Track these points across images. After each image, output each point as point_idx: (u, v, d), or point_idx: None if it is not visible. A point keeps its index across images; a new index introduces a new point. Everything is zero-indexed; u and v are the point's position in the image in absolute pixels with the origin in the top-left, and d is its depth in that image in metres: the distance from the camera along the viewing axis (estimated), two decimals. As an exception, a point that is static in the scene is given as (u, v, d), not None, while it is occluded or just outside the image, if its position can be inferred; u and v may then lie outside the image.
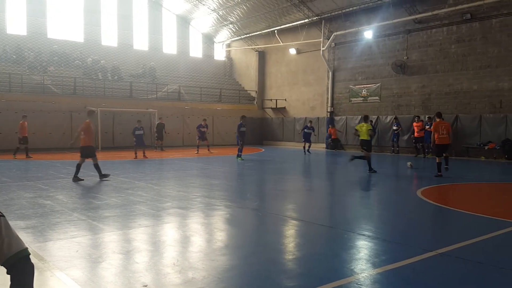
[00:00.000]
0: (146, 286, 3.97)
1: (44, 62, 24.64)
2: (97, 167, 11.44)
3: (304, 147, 22.75)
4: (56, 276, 4.22)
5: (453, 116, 20.28)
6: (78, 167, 11.28)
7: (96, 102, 23.66)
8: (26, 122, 18.33)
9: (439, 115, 13.01)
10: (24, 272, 1.62)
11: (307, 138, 22.35)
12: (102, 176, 11.47)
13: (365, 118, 14.22)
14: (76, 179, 11.10)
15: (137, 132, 18.45)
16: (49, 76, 23.79)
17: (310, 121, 23.81)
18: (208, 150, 22.47)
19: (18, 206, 7.66)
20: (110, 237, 5.87)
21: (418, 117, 20.88)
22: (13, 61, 23.76)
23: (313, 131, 23.11)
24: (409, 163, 15.02)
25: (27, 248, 1.64)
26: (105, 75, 26.53)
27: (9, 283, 1.61)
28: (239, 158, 17.41)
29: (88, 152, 11.39)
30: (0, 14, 24.94)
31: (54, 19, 27.08)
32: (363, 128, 13.67)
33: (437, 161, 12.69)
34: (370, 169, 13.39)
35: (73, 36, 27.71)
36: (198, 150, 21.65)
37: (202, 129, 21.67)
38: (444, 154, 12.69)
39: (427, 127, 20.28)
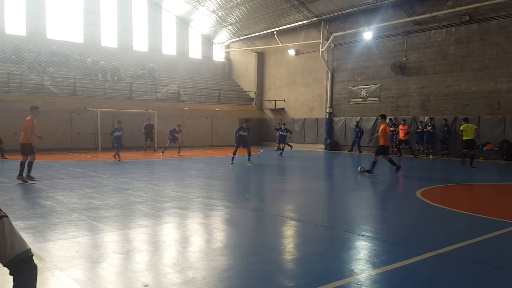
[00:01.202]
0: (147, 286, 3.98)
1: (43, 62, 24.63)
2: (22, 165, 10.73)
3: (279, 147, 22.91)
4: (56, 276, 4.23)
5: (452, 117, 20.33)
6: (22, 165, 10.75)
7: (96, 103, 23.66)
8: None
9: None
10: (27, 273, 1.62)
11: (282, 140, 22.65)
12: (20, 177, 10.61)
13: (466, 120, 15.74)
14: (20, 177, 10.57)
15: (115, 134, 18.29)
16: (48, 77, 23.78)
17: (284, 123, 23.73)
18: (178, 152, 21.53)
19: (17, 207, 7.66)
20: (110, 237, 5.88)
21: (404, 120, 21.67)
22: (12, 62, 23.75)
23: (290, 132, 23.38)
24: (360, 168, 14.43)
25: (30, 249, 1.65)
26: (105, 76, 26.53)
27: (11, 283, 1.61)
28: (249, 162, 16.66)
29: (27, 150, 10.86)
30: (-1, 15, 24.97)
31: (53, 20, 27.08)
32: (468, 128, 14.39)
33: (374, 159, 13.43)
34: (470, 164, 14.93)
35: (72, 37, 27.71)
36: (163, 152, 20.92)
37: (176, 134, 21.35)
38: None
39: (428, 127, 20.39)
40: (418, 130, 21.05)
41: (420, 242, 5.70)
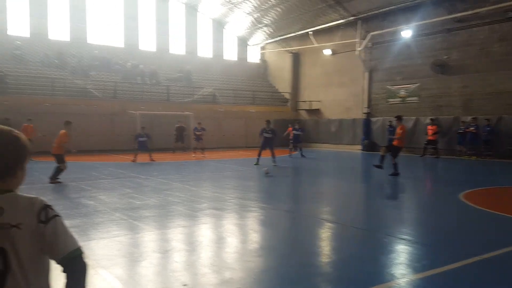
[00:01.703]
0: (185, 285, 4.05)
1: (85, 67, 25.56)
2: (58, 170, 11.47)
3: (298, 148, 21.09)
4: (99, 274, 4.38)
5: (497, 116, 19.48)
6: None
7: (135, 106, 24.31)
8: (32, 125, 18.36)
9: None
10: (78, 270, 1.68)
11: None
12: (53, 178, 11.33)
13: None
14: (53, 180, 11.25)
15: (140, 139, 18.57)
16: (90, 81, 24.67)
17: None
18: (202, 153, 21.29)
19: (62, 206, 7.98)
20: (150, 237, 6.03)
21: (432, 120, 21.07)
22: (56, 66, 24.78)
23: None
24: (265, 169, 13.87)
25: (81, 247, 1.71)
26: (143, 79, 27.24)
27: (63, 280, 1.68)
28: (273, 164, 16.14)
29: (61, 159, 11.56)
30: (43, 21, 26.08)
31: (94, 25, 28.07)
32: None
33: (393, 162, 13.26)
34: None
35: (113, 41, 28.63)
36: (195, 154, 21.15)
37: (198, 133, 21.36)
38: None
39: (471, 128, 19.61)
40: (460, 131, 20.29)
41: (464, 246, 5.50)
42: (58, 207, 7.80)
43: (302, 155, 20.94)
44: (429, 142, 20.97)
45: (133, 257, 4.98)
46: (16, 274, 1.58)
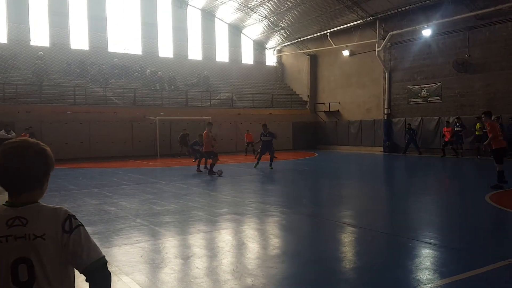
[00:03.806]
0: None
1: (106, 75, 26.00)
2: (212, 165, 14.24)
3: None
4: (122, 281, 4.38)
5: (522, 115, 18.94)
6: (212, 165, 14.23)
7: (155, 112, 24.58)
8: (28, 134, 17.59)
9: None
10: (101, 280, 1.70)
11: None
12: (212, 172, 14.12)
13: None
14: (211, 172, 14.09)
15: (194, 147, 18.19)
16: (110, 88, 25.06)
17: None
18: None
19: (85, 213, 8.08)
20: (171, 242, 6.03)
21: (448, 122, 20.93)
22: (76, 75, 25.27)
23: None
24: (218, 171, 13.91)
25: (104, 256, 1.72)
26: (162, 86, 27.53)
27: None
28: (270, 168, 16.00)
29: (209, 155, 14.54)
30: (63, 31, 26.65)
31: (114, 34, 28.54)
32: None
33: (499, 169, 10.33)
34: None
35: (132, 49, 29.04)
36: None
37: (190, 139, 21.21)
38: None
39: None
40: (484, 130, 19.76)
41: (492, 250, 5.32)
42: (80, 213, 7.92)
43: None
44: (446, 143, 20.87)
45: (154, 264, 4.98)
46: (41, 284, 1.59)
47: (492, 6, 19.56)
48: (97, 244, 1.75)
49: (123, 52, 28.51)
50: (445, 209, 8.71)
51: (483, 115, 11.15)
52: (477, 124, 20.30)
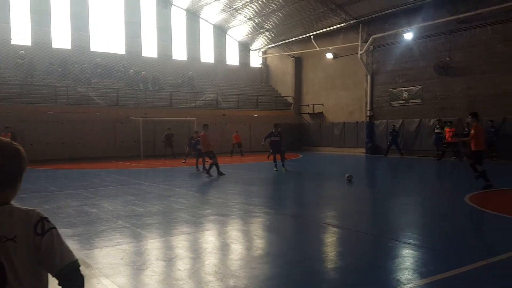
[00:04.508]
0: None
1: (88, 74, 25.66)
2: (216, 166, 14.60)
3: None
4: (102, 283, 4.33)
5: (501, 118, 19.36)
6: (216, 166, 14.62)
7: (138, 112, 24.36)
8: (10, 134, 17.75)
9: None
10: (75, 283, 1.66)
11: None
12: (219, 173, 14.51)
13: None
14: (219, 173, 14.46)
15: (198, 147, 17.82)
16: (93, 88, 24.75)
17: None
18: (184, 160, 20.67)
19: (65, 215, 7.96)
20: (153, 244, 5.98)
21: (450, 122, 20.40)
22: (59, 75, 24.88)
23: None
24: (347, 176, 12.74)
25: (78, 260, 1.69)
26: (146, 86, 27.31)
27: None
28: (283, 168, 15.93)
29: (211, 155, 14.78)
30: (45, 30, 26.21)
31: (96, 33, 28.19)
32: None
33: (480, 169, 10.56)
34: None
35: (115, 49, 28.73)
36: (185, 159, 20.44)
37: (193, 141, 21.00)
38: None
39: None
40: (464, 133, 20.15)
41: (471, 250, 5.42)
42: (61, 215, 7.80)
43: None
44: (448, 145, 20.14)
45: (136, 266, 4.93)
46: (13, 287, 1.56)
47: (472, 10, 19.97)
48: (78, 246, 1.74)
49: (106, 51, 28.18)
50: (426, 210, 8.85)
51: (470, 116, 11.25)
52: (445, 127, 20.82)
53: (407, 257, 5.20)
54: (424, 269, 4.71)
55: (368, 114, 26.02)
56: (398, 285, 4.21)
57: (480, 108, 20.35)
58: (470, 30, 20.61)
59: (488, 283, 4.29)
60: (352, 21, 25.61)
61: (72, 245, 5.69)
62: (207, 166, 15.29)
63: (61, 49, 26.52)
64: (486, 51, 20.08)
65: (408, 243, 5.73)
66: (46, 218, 1.67)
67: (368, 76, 25.83)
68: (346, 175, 12.60)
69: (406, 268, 4.75)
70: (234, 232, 6.79)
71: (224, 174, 14.53)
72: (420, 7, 21.89)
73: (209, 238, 6.38)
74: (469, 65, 20.79)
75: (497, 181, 11.27)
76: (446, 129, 20.34)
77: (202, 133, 15.11)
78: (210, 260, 5.13)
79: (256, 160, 22.18)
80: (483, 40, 20.17)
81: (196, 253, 5.52)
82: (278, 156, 16.17)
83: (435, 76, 22.12)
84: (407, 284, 4.22)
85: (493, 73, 19.80)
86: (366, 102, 26.14)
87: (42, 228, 1.64)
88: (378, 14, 24.03)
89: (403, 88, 23.98)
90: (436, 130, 21.33)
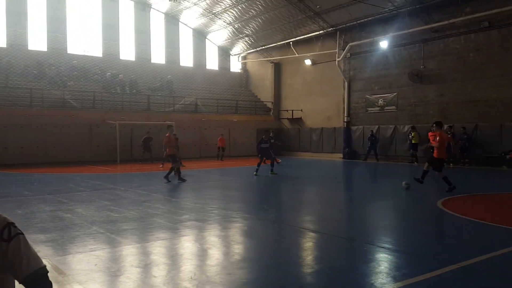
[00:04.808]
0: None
1: (64, 77, 25.18)
2: (177, 170, 13.93)
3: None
4: (75, 290, 4.25)
5: (473, 124, 19.93)
6: (177, 170, 13.93)
7: (115, 116, 24.02)
8: None
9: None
10: None
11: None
12: (180, 179, 13.76)
13: None
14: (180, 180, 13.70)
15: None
16: (69, 91, 24.29)
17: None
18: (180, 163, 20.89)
19: (38, 220, 7.78)
20: (129, 250, 5.91)
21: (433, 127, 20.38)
22: (34, 77, 24.34)
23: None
24: (404, 183, 12.18)
25: (45, 266, 1.66)
26: (123, 89, 26.96)
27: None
28: (272, 173, 16.17)
29: (174, 158, 14.10)
30: (21, 31, 25.65)
31: (73, 35, 27.73)
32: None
33: (441, 176, 11.15)
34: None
35: (92, 51, 28.32)
36: (163, 165, 19.93)
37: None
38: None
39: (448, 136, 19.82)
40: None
41: (443, 254, 5.55)
42: (34, 220, 7.63)
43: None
44: (432, 148, 20.45)
45: (110, 272, 4.85)
46: None
47: (446, 20, 20.55)
48: (51, 252, 1.72)
49: (83, 54, 27.75)
50: (400, 214, 9.02)
51: (434, 125, 11.80)
52: (413, 133, 21.27)
53: (381, 261, 5.29)
54: (397, 272, 4.80)
55: (345, 120, 26.38)
56: (372, 289, 4.28)
57: (452, 115, 20.96)
58: (444, 39, 21.20)
59: (461, 286, 4.40)
60: (329, 29, 25.98)
61: (45, 251, 5.59)
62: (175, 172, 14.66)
63: (37, 51, 25.98)
64: (458, 60, 20.67)
65: (383, 247, 5.83)
66: (13, 224, 1.65)
67: (346, 83, 26.21)
68: (403, 183, 11.96)
69: (380, 272, 4.83)
70: (211, 237, 6.77)
71: (185, 180, 13.75)
72: (395, 16, 22.39)
73: (186, 244, 6.34)
74: (442, 73, 21.36)
75: (469, 186, 11.59)
76: (429, 133, 20.43)
77: (167, 134, 14.33)
78: (186, 266, 5.11)
79: (236, 165, 22.16)
80: (456, 49, 20.76)
81: (172, 259, 5.48)
82: (268, 161, 16.22)
83: (409, 83, 22.62)
84: (381, 287, 4.29)
85: (465, 81, 20.39)
86: (344, 108, 26.51)
87: (9, 234, 1.61)
88: (355, 22, 24.46)
89: (378, 95, 24.43)
90: (410, 136, 21.77)
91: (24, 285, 1.61)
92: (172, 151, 14.19)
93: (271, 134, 17.85)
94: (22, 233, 1.66)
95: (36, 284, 1.62)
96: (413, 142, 21.62)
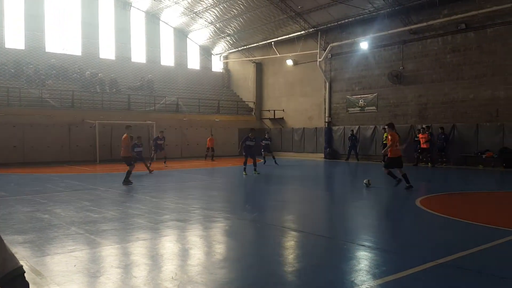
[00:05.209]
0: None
1: (42, 76, 24.68)
2: (128, 173, 13.14)
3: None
4: (53, 292, 4.17)
5: (450, 125, 20.36)
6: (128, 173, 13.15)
7: (94, 115, 23.67)
8: None
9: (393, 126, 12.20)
10: None
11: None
12: (126, 181, 12.99)
13: None
14: (126, 183, 12.93)
15: (136, 149, 17.15)
16: (47, 90, 23.82)
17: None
18: (164, 163, 20.89)
19: (16, 221, 7.61)
20: (108, 251, 5.83)
21: (423, 128, 20.44)
22: (11, 75, 23.80)
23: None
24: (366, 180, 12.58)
25: (22, 266, 1.63)
26: (103, 88, 26.58)
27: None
28: (255, 172, 16.23)
29: (129, 161, 13.38)
30: (-2, 30, 25.09)
31: (52, 33, 27.21)
32: None
33: (402, 173, 11.60)
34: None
35: (71, 50, 27.82)
36: (150, 164, 19.30)
37: (159, 142, 20.79)
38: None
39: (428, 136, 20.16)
40: (415, 139, 21.01)
41: (421, 251, 5.66)
42: (11, 221, 7.47)
43: (276, 163, 21.16)
44: (422, 150, 20.23)
45: (89, 273, 4.78)
46: None
47: (424, 22, 20.95)
48: (28, 253, 1.68)
49: (61, 52, 27.24)
50: (379, 213, 9.15)
51: (386, 126, 12.23)
52: (385, 134, 21.59)
53: (362, 259, 5.36)
54: (377, 270, 4.87)
55: (326, 120, 26.61)
56: (353, 286, 4.33)
57: (430, 115, 21.36)
58: (422, 40, 21.59)
59: (438, 283, 4.49)
60: (311, 29, 26.16)
61: (22, 252, 5.48)
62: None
63: (14, 49, 25.39)
64: (436, 61, 21.08)
65: (362, 245, 5.91)
66: None
67: (327, 83, 26.43)
68: (364, 181, 12.39)
69: (360, 270, 4.90)
70: (193, 237, 6.74)
71: (131, 183, 12.94)
72: (375, 18, 22.69)
73: (167, 244, 6.29)
74: (421, 74, 21.74)
75: (446, 185, 11.84)
76: (419, 135, 20.45)
77: (124, 134, 13.50)
78: (167, 267, 5.07)
79: (218, 165, 22.10)
80: (434, 50, 21.17)
81: (153, 259, 5.43)
82: (250, 160, 16.18)
83: (389, 84, 22.96)
84: (361, 285, 4.34)
85: (443, 82, 20.81)
86: (325, 108, 26.73)
87: None
88: (335, 23, 24.69)
89: (359, 96, 24.72)
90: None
91: (0, 286, 1.57)
92: (127, 152, 13.37)
93: (266, 135, 19.84)
94: None
95: (13, 285, 1.59)
96: (384, 142, 21.51)
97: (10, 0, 25.55)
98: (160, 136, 20.89)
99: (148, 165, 17.40)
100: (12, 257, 1.62)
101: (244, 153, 16.45)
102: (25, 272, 1.63)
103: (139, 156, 17.20)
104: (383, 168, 12.09)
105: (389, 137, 11.78)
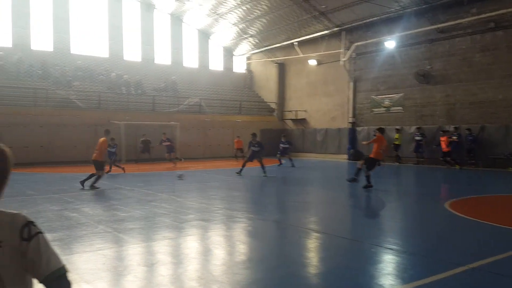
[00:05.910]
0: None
1: (69, 77, 25.26)
2: (97, 177, 12.43)
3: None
4: (82, 289, 4.24)
5: (479, 126, 19.81)
6: (97, 177, 12.40)
7: (120, 116, 24.06)
8: None
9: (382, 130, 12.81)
10: None
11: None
12: (83, 182, 12.24)
13: None
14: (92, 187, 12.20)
15: (109, 149, 16.58)
16: (74, 91, 24.35)
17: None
18: (174, 164, 21.08)
19: (45, 219, 7.79)
20: (135, 250, 5.90)
21: (444, 131, 20.02)
22: (38, 77, 24.43)
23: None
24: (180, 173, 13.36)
25: (65, 265, 1.64)
26: (128, 89, 27.02)
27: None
28: (263, 175, 16.03)
29: (100, 165, 12.63)
30: (25, 31, 25.76)
31: (79, 35, 27.83)
32: None
33: (367, 174, 12.04)
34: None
35: (97, 52, 28.39)
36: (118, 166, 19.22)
37: (166, 143, 21.12)
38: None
39: (454, 137, 19.71)
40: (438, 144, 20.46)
41: (451, 255, 5.51)
42: (40, 219, 7.63)
43: (293, 165, 21.02)
44: (445, 154, 19.71)
45: (117, 271, 4.85)
46: None
47: (452, 20, 20.46)
48: (58, 251, 1.68)
49: (87, 54, 27.81)
50: (407, 216, 8.97)
51: (376, 130, 12.93)
52: (396, 135, 21.16)
53: (389, 263, 5.26)
54: (405, 274, 4.77)
55: (350, 121, 26.30)
56: (380, 289, 4.25)
57: (457, 116, 20.85)
58: (450, 39, 21.09)
59: (469, 287, 4.36)
60: (335, 29, 25.92)
61: (51, 250, 5.58)
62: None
63: (42, 51, 26.08)
64: (463, 60, 20.56)
65: (390, 249, 5.79)
66: (32, 222, 1.62)
67: (351, 83, 26.13)
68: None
69: (388, 274, 4.80)
70: (217, 237, 6.75)
71: (98, 188, 12.23)
72: (401, 16, 22.30)
73: (192, 243, 6.33)
74: (448, 74, 21.25)
75: (475, 188, 11.52)
76: (441, 138, 19.89)
77: (103, 138, 13.08)
78: (193, 266, 5.09)
79: (239, 166, 22.11)
80: (462, 49, 20.65)
81: (179, 258, 5.47)
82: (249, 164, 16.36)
83: (415, 84, 22.52)
84: (389, 288, 4.26)
85: (471, 82, 20.27)
86: (348, 109, 26.43)
87: (29, 233, 1.59)
88: (360, 22, 24.39)
89: (384, 96, 24.33)
90: (416, 138, 21.66)
91: (44, 285, 1.59)
92: (101, 157, 12.69)
93: (283, 139, 20.44)
94: (42, 232, 1.64)
95: (56, 284, 1.59)
96: (395, 143, 22.29)
97: (38, 3, 26.22)
98: (163, 138, 21.33)
99: (119, 165, 17.65)
100: (55, 256, 1.63)
101: (247, 157, 16.66)
102: (68, 271, 1.64)
103: (110, 155, 17.22)
104: (366, 170, 12.15)
105: (377, 141, 12.20)
